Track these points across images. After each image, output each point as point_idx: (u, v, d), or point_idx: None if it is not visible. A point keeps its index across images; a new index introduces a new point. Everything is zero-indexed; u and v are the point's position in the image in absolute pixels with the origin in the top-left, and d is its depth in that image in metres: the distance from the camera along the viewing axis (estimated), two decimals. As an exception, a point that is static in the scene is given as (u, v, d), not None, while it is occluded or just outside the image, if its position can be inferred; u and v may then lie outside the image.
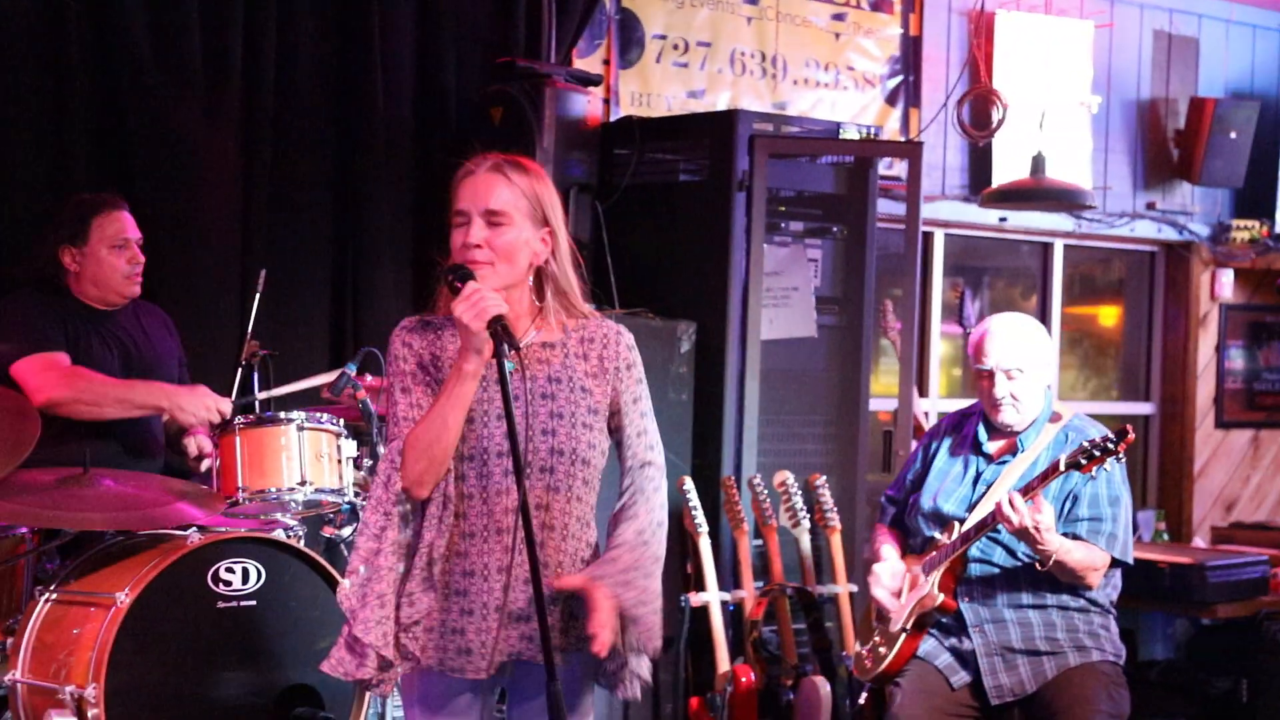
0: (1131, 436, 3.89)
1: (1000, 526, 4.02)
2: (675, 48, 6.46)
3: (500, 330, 2.87)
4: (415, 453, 2.94)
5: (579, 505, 3.04)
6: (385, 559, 2.96)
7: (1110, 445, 3.88)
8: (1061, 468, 3.95)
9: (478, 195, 3.02)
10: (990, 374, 4.25)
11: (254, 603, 4.05)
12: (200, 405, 4.35)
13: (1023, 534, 3.97)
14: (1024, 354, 4.23)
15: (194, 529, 4.13)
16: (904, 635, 4.25)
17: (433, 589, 2.97)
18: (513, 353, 2.90)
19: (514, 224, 3.01)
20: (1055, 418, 4.29)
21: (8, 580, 4.10)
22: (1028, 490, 3.98)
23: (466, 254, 2.99)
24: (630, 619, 3.00)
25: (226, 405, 4.41)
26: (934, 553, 4.23)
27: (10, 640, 4.00)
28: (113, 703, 3.76)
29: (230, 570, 4.03)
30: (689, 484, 5.38)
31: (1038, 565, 4.05)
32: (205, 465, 4.43)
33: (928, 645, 4.27)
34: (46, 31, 5.06)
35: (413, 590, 2.96)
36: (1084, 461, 3.91)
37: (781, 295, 5.89)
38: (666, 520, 3.12)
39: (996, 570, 4.18)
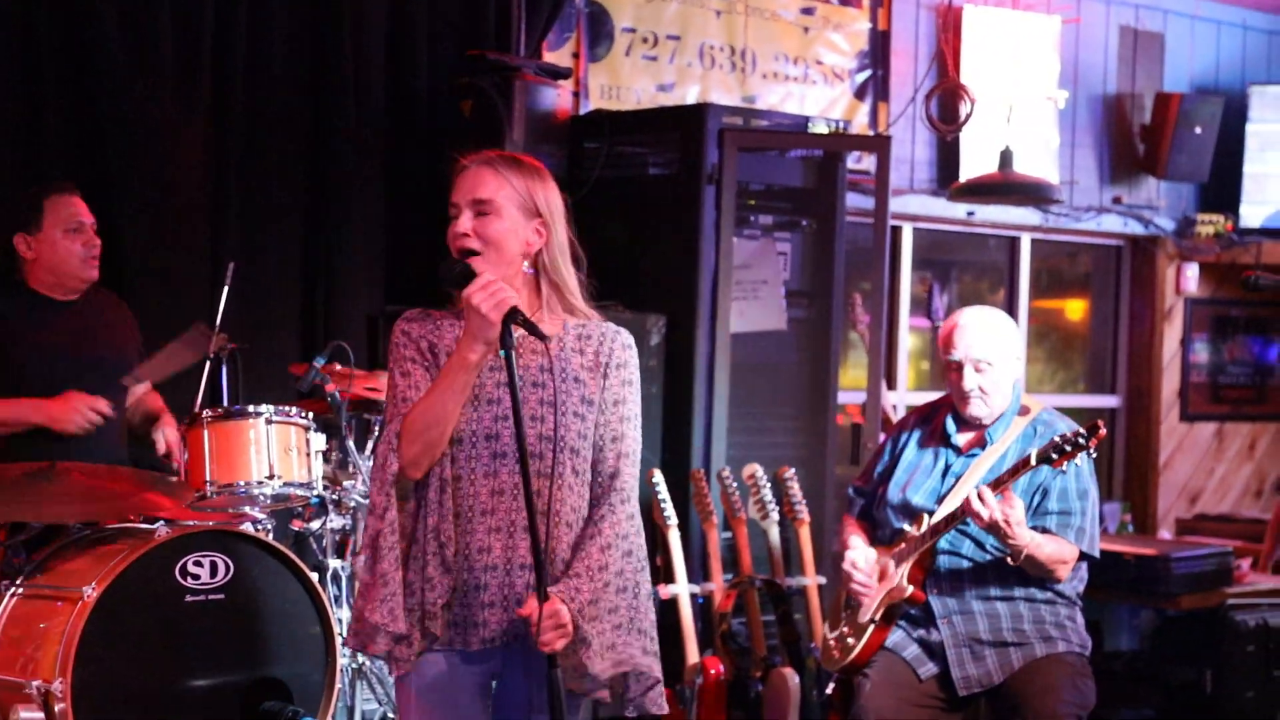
0: (1103, 432, 3.89)
1: (969, 520, 4.02)
2: (645, 41, 6.44)
3: (520, 319, 2.89)
4: (411, 435, 2.95)
5: (570, 495, 3.03)
6: (387, 538, 2.98)
7: (1082, 440, 3.88)
8: (1033, 462, 3.95)
9: (467, 187, 3.04)
10: (959, 366, 4.25)
11: (222, 596, 4.03)
12: (72, 411, 4.29)
13: (992, 528, 3.97)
14: (993, 347, 4.23)
15: (161, 523, 4.10)
16: (872, 627, 4.25)
17: (449, 571, 2.99)
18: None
19: (502, 213, 3.02)
20: (1024, 411, 4.29)
21: (-27, 575, 4.06)
22: (998, 484, 3.98)
23: (456, 243, 3.02)
24: (580, 640, 2.96)
25: (103, 405, 4.33)
26: (903, 544, 4.23)
27: (-24, 635, 3.96)
28: (80, 697, 3.73)
29: (198, 564, 4.00)
30: (658, 476, 5.37)
31: (1008, 560, 4.05)
32: (177, 464, 4.40)
33: (895, 636, 4.27)
34: (16, 22, 5.01)
35: (431, 575, 2.98)
36: (1055, 456, 3.91)
37: (751, 288, 5.89)
38: (634, 535, 3.08)
39: (965, 563, 4.18)
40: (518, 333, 2.95)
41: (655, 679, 3.09)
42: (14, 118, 5.04)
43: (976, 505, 3.95)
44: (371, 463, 3.07)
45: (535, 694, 3.05)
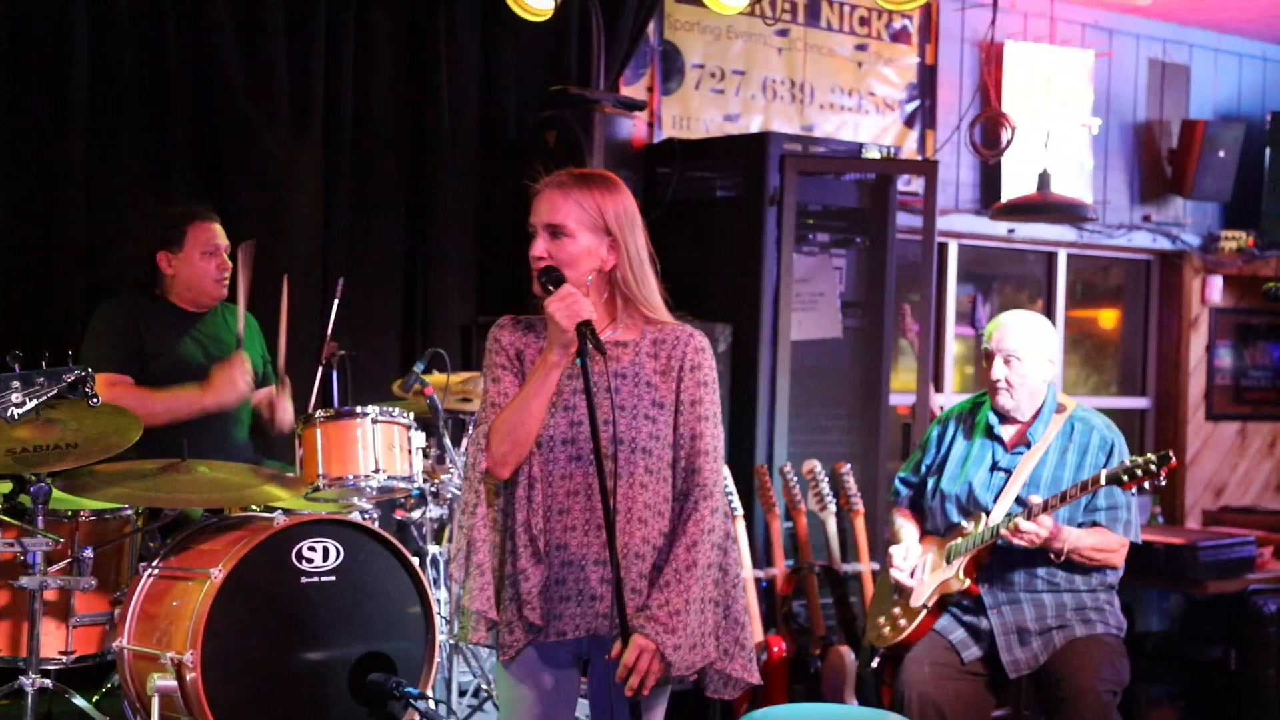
0: (1174, 462, 3.85)
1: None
2: (713, 76, 6.44)
3: (588, 333, 2.84)
4: (500, 436, 2.93)
5: (644, 492, 2.95)
6: (479, 531, 2.96)
7: (1153, 468, 3.84)
8: (1103, 482, 3.93)
9: (541, 210, 2.99)
10: (991, 355, 4.24)
11: (334, 578, 4.05)
12: (229, 383, 4.36)
13: (1042, 546, 4.00)
14: (1023, 343, 4.20)
15: (280, 512, 4.15)
16: (924, 611, 4.23)
17: (541, 562, 2.95)
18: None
19: (574, 235, 2.96)
20: (1060, 409, 4.25)
21: (115, 557, 4.12)
22: (1064, 498, 3.99)
23: (534, 265, 2.98)
24: (668, 663, 2.88)
25: (245, 368, 4.40)
26: (959, 539, 4.19)
27: (118, 611, 4.02)
28: (208, 667, 3.76)
29: (312, 549, 4.03)
30: (725, 471, 5.35)
31: (1052, 556, 4.03)
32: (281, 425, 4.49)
33: (943, 620, 4.23)
34: (150, 62, 5.11)
35: (525, 567, 2.94)
36: (1125, 479, 3.88)
37: (809, 300, 5.87)
38: (720, 528, 2.99)
39: (1016, 557, 4.14)
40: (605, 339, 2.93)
41: (734, 678, 3.00)
42: (148, 149, 5.13)
43: (1019, 537, 3.98)
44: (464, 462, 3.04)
45: (616, 697, 2.95)
